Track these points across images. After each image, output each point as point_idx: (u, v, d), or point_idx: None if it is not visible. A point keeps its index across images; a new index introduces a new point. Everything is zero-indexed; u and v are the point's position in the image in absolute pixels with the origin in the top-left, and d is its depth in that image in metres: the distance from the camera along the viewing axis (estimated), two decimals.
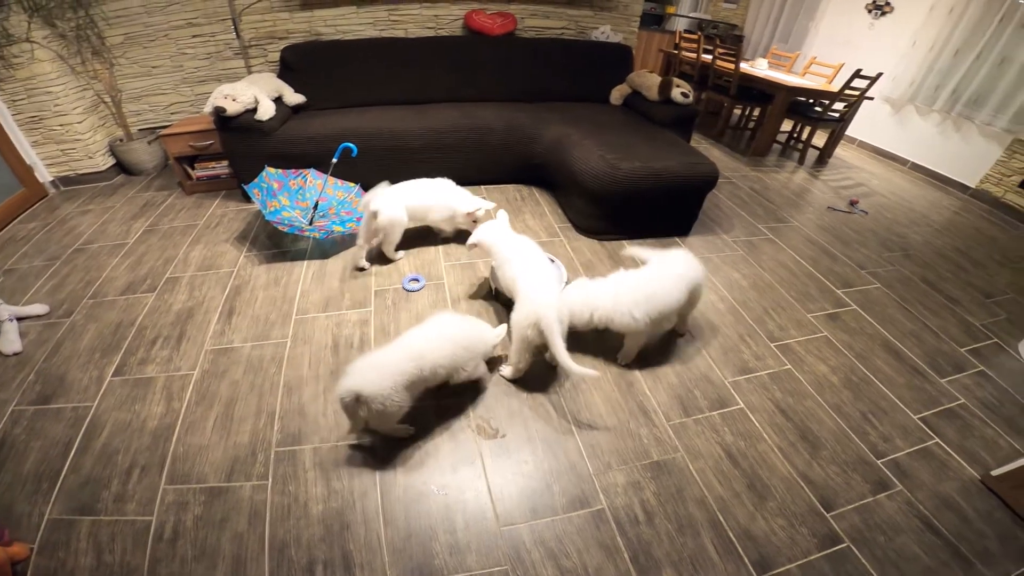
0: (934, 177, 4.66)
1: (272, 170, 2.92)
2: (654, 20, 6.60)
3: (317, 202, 2.88)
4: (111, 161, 3.80)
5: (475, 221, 2.66)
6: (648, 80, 3.68)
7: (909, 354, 2.35)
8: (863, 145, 5.36)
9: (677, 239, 3.02)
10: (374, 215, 2.44)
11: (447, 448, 1.74)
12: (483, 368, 1.91)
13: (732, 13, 6.74)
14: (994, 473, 1.75)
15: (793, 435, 1.88)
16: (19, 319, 2.26)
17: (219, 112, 2.90)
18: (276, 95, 3.24)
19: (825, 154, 4.72)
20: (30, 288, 2.52)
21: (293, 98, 3.33)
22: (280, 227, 2.58)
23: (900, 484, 1.74)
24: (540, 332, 1.75)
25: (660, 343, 2.23)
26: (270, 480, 1.62)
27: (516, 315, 1.84)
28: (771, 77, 4.51)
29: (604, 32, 3.98)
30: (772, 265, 2.88)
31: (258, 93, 2.99)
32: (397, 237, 2.59)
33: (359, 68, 3.51)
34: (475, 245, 2.17)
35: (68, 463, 1.64)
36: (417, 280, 2.52)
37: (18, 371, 2.02)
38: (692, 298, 2.08)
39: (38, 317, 2.31)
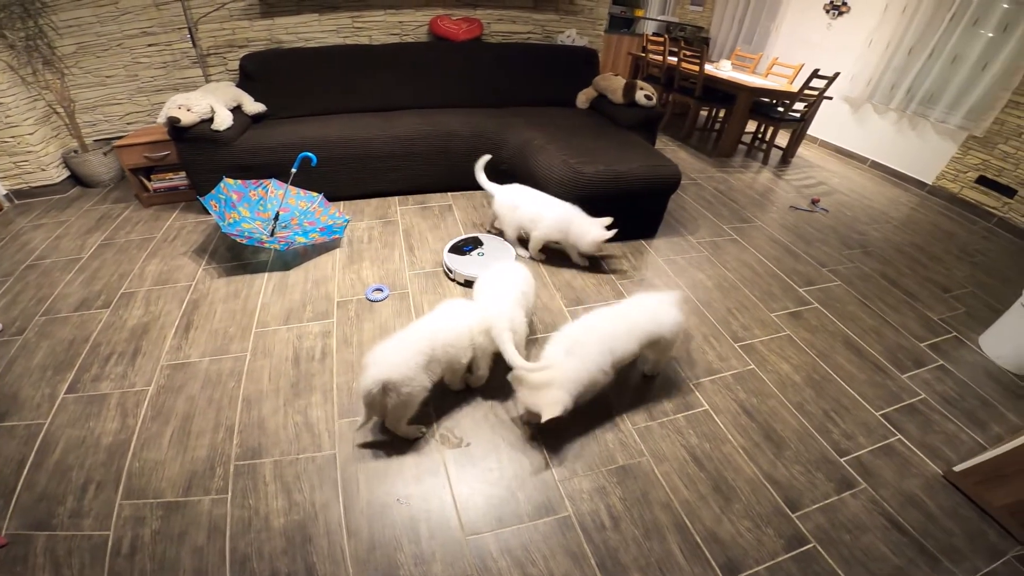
0: (893, 175, 4.80)
1: (231, 181, 2.86)
2: (624, 23, 6.69)
3: (278, 213, 2.83)
4: (65, 173, 3.68)
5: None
6: (613, 83, 3.71)
7: (870, 350, 2.41)
8: (824, 144, 5.50)
9: (643, 242, 3.05)
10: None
11: (411, 459, 1.72)
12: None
13: (699, 16, 6.86)
14: (957, 469, 1.78)
15: (758, 435, 1.91)
16: None
17: (173, 123, 2.83)
18: (235, 104, 3.18)
19: (788, 154, 4.83)
20: None
21: (253, 107, 3.27)
22: (239, 239, 2.53)
23: (864, 482, 1.77)
24: (491, 339, 1.81)
25: None
26: (229, 494, 1.58)
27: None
28: (734, 78, 4.59)
29: (570, 36, 4.01)
30: (736, 265, 2.93)
31: (214, 103, 2.93)
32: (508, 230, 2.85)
33: (322, 76, 3.47)
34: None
35: (22, 480, 1.59)
36: (381, 290, 2.49)
37: None
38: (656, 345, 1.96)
39: None
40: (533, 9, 3.95)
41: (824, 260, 3.09)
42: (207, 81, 3.63)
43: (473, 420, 1.88)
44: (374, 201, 3.38)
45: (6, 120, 3.29)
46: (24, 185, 3.53)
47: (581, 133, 3.27)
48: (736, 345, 2.33)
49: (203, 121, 2.92)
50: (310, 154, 2.77)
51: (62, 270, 2.71)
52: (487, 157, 2.88)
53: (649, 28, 6.62)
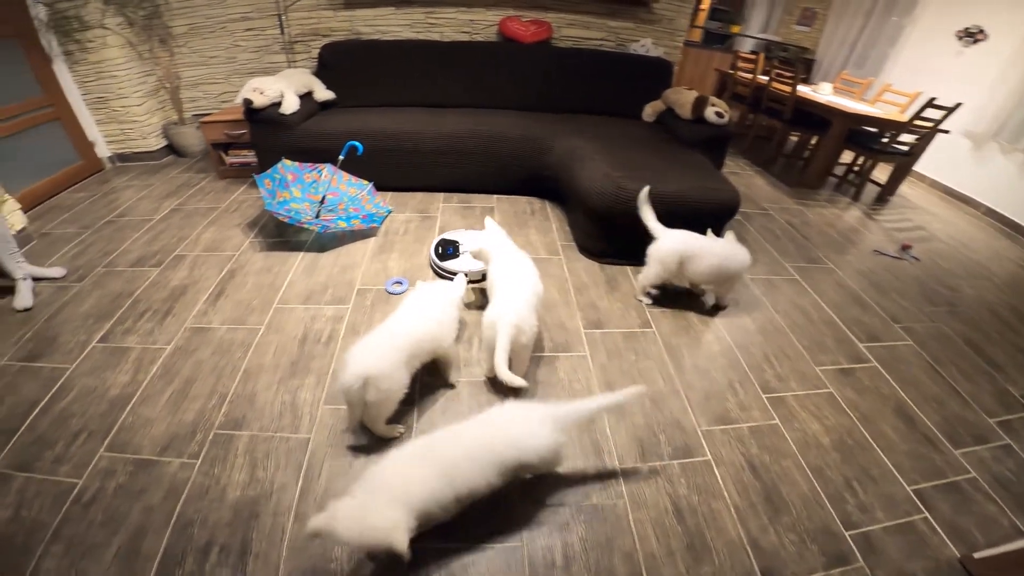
0: (1009, 225, 4.12)
1: (288, 162, 3.02)
2: (717, 39, 6.34)
3: (325, 196, 2.94)
4: (163, 143, 4.08)
5: None
6: (683, 97, 3.50)
7: (924, 420, 2.07)
8: (934, 184, 4.85)
9: None
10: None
11: (378, 457, 1.68)
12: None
13: (805, 36, 6.33)
14: (977, 555, 1.50)
15: (757, 495, 1.69)
16: (36, 279, 2.45)
17: (247, 104, 3.04)
18: (306, 91, 3.36)
19: (886, 191, 4.31)
20: (57, 252, 2.73)
21: (323, 94, 3.44)
22: (281, 217, 2.65)
23: (862, 559, 1.51)
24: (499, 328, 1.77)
25: (644, 381, 2.08)
26: (199, 460, 1.64)
27: (485, 314, 1.88)
28: (830, 102, 4.17)
29: (644, 46, 3.83)
30: (788, 309, 2.63)
31: (285, 88, 3.11)
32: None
33: (390, 69, 3.57)
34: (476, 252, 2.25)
35: (27, 422, 1.74)
36: (400, 283, 2.50)
37: (20, 327, 2.18)
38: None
39: (54, 279, 2.50)
40: (608, 15, 3.82)
41: (898, 315, 2.70)
42: (290, 67, 3.86)
43: (451, 420, 1.79)
44: (419, 195, 3.42)
45: (119, 91, 3.69)
46: (126, 150, 3.95)
47: (636, 146, 3.11)
48: (764, 396, 2.09)
49: (273, 104, 3.11)
50: (357, 143, 2.85)
51: (134, 228, 2.99)
52: (648, 188, 2.45)
53: (745, 46, 6.21)
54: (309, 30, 3.82)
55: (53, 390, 1.86)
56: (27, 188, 3.25)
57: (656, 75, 3.79)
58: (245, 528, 1.46)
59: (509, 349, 1.75)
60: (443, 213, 3.20)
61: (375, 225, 2.96)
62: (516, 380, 1.70)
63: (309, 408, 1.84)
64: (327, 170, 3.07)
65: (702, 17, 6.78)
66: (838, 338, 2.48)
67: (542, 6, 3.75)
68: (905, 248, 3.41)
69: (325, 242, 2.84)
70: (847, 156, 4.46)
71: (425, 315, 1.79)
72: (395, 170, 3.29)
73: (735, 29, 6.28)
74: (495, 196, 3.44)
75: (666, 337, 2.32)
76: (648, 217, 2.42)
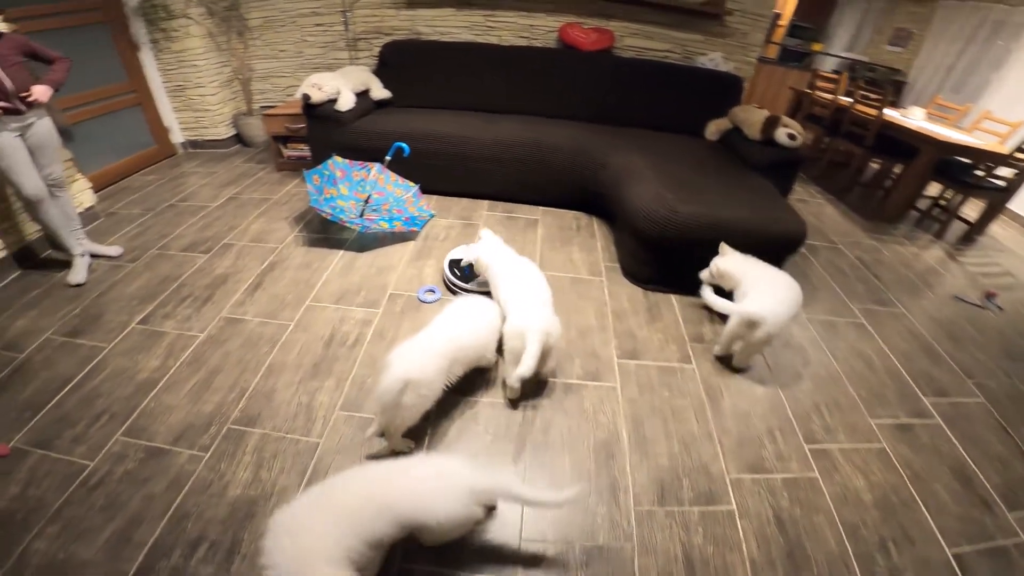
0: None
1: (339, 159, 3.05)
2: (796, 56, 5.97)
3: (371, 196, 2.94)
4: (232, 132, 4.26)
5: None
6: (752, 116, 3.27)
7: (983, 481, 1.84)
8: None
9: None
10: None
11: None
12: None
13: (896, 57, 5.85)
14: None
15: (778, 551, 1.53)
16: (94, 256, 2.58)
17: (305, 99, 3.10)
18: (363, 88, 3.39)
19: (974, 230, 3.87)
20: (119, 232, 2.88)
21: (380, 93, 3.47)
22: (323, 214, 2.66)
23: None
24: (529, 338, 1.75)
25: (676, 420, 1.93)
26: (208, 453, 1.65)
27: (507, 327, 1.86)
28: (922, 128, 3.80)
29: (713, 60, 3.62)
30: (848, 355, 2.38)
31: (342, 85, 3.15)
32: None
33: (446, 71, 3.56)
34: (474, 262, 2.29)
35: (56, 399, 1.80)
36: (433, 292, 2.45)
37: (70, 302, 2.29)
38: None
39: (110, 258, 2.62)
40: (675, 26, 3.63)
41: (972, 369, 2.39)
42: (352, 64, 3.93)
43: (465, 444, 1.76)
44: (464, 201, 3.38)
45: (196, 80, 3.88)
46: (198, 137, 4.15)
47: (695, 166, 2.93)
48: (806, 447, 1.89)
49: (330, 101, 3.15)
50: (404, 145, 2.84)
51: (191, 214, 3.11)
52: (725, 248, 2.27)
53: (826, 64, 5.80)
54: (372, 28, 3.87)
55: (87, 368, 1.93)
56: (103, 168, 3.46)
57: (724, 91, 3.57)
58: (238, 528, 1.45)
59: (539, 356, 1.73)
60: (486, 222, 3.14)
61: (415, 229, 2.94)
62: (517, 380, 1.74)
63: (324, 412, 1.82)
64: (375, 169, 3.08)
65: (780, 33, 6.42)
66: (901, 391, 2.22)
67: (605, 14, 3.62)
68: (989, 296, 3.03)
69: (365, 242, 2.84)
70: (933, 189, 4.06)
71: (470, 325, 1.81)
72: (442, 174, 3.26)
73: (816, 47, 5.89)
74: (541, 208, 3.34)
75: (707, 375, 2.15)
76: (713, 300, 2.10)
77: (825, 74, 4.62)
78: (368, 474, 1.29)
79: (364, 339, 2.17)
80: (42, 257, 2.59)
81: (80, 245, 2.49)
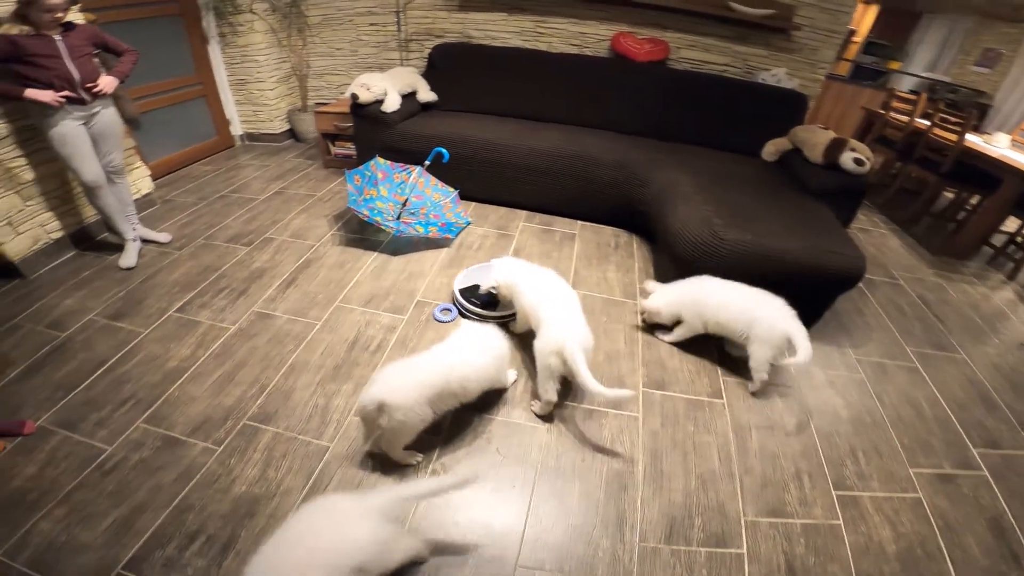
0: None
1: (382, 160, 3.07)
2: (871, 75, 5.60)
3: (409, 199, 2.95)
4: (286, 127, 4.40)
5: None
6: (815, 137, 3.06)
7: (1019, 535, 1.67)
8: None
9: None
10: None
11: (388, 483, 1.60)
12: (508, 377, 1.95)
13: (983, 79, 5.38)
14: None
15: None
16: (145, 241, 2.70)
17: (354, 98, 3.14)
18: (410, 90, 3.41)
19: None
20: (171, 219, 3.01)
21: (426, 95, 3.48)
22: (360, 215, 2.68)
23: None
24: (563, 360, 1.73)
25: (697, 456, 1.82)
26: (221, 448, 1.67)
27: (539, 343, 1.82)
28: (1005, 156, 3.46)
29: (776, 75, 3.42)
30: (897, 400, 2.19)
31: (389, 86, 3.17)
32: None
33: (494, 75, 3.53)
34: (496, 287, 2.17)
35: (88, 381, 1.89)
36: (449, 311, 2.38)
37: (117, 285, 2.40)
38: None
39: (159, 244, 2.74)
40: (736, 39, 3.45)
41: None
42: (402, 65, 3.96)
43: (474, 462, 1.71)
44: (501, 210, 3.33)
45: (257, 75, 4.03)
46: (255, 130, 4.31)
47: (747, 189, 2.76)
48: (834, 492, 1.76)
49: (377, 101, 3.18)
50: (443, 150, 2.82)
51: (240, 206, 3.22)
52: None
53: (904, 84, 5.41)
54: (424, 30, 3.89)
55: (122, 352, 2.01)
56: (165, 157, 3.64)
57: (786, 109, 3.36)
58: (237, 524, 1.46)
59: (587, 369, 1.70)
60: (521, 233, 3.08)
61: (450, 236, 2.91)
62: (623, 393, 1.73)
63: (339, 416, 1.82)
64: (416, 172, 3.08)
65: (854, 50, 6.05)
66: (948, 440, 2.03)
67: (661, 24, 3.48)
68: None
69: (399, 246, 2.84)
70: (1011, 224, 3.69)
71: (467, 357, 1.68)
72: (481, 180, 3.23)
73: (893, 65, 5.51)
74: (580, 222, 3.24)
75: (737, 412, 2.02)
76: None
77: (902, 94, 4.30)
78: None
79: (387, 345, 2.16)
80: (97, 239, 2.74)
81: (133, 231, 2.62)
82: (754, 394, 2.11)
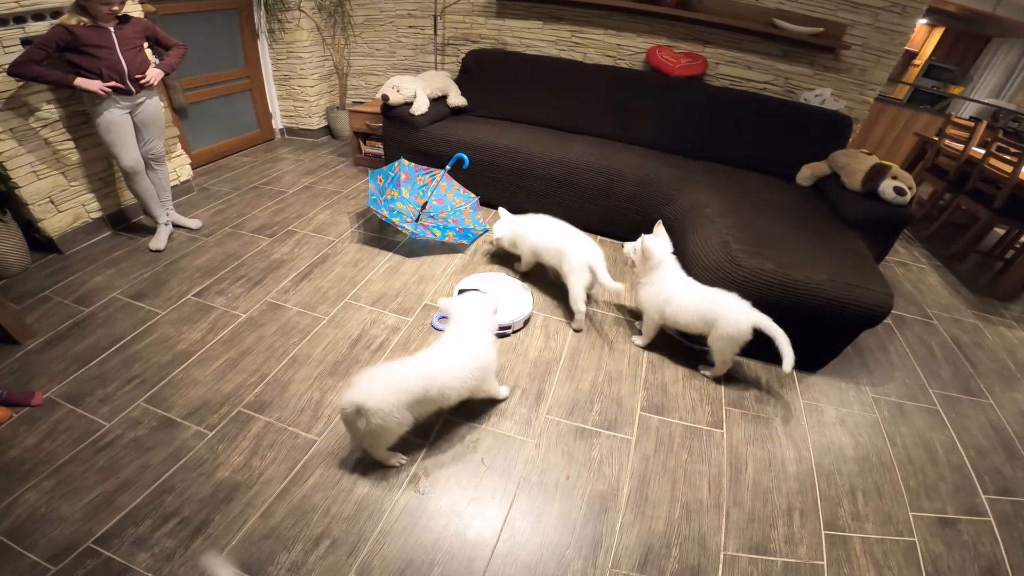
0: None
1: (406, 162, 3.12)
2: (929, 99, 5.31)
3: (429, 202, 2.98)
4: (323, 123, 4.53)
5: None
6: (856, 163, 2.91)
7: None
8: None
9: (795, 372, 2.34)
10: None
11: (369, 481, 1.63)
12: (496, 388, 1.93)
13: None
14: None
15: None
16: (176, 227, 2.83)
17: (384, 99, 3.20)
18: (441, 94, 3.45)
19: None
20: (205, 206, 3.15)
21: (456, 100, 3.51)
22: (379, 215, 2.73)
23: None
24: (592, 271, 2.26)
25: (687, 485, 1.76)
26: (212, 433, 1.73)
27: (571, 263, 2.30)
28: None
29: (820, 96, 3.28)
30: (910, 443, 2.06)
31: (420, 89, 3.22)
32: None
33: (526, 83, 3.52)
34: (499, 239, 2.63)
35: (102, 357, 1.98)
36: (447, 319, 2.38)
37: (144, 267, 2.52)
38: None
39: (189, 229, 2.86)
40: (779, 57, 3.32)
41: None
42: (436, 68, 4.02)
43: (458, 470, 1.71)
44: None
45: (300, 72, 4.17)
46: (294, 125, 4.45)
47: (775, 214, 2.66)
48: (824, 532, 1.67)
49: (406, 103, 3.24)
50: (464, 156, 2.84)
51: (270, 197, 3.33)
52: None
53: (965, 111, 5.09)
54: (460, 35, 3.93)
55: (138, 331, 2.11)
56: (207, 147, 3.80)
57: (828, 132, 3.21)
58: (213, 509, 1.50)
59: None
60: None
61: (465, 242, 2.93)
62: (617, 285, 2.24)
63: (330, 411, 1.85)
64: (439, 176, 3.11)
65: (913, 73, 5.74)
66: (958, 485, 1.91)
67: (701, 39, 3.39)
68: None
69: (414, 248, 2.88)
70: None
71: (450, 364, 1.65)
72: (503, 189, 3.22)
73: (955, 90, 5.20)
74: (599, 237, 3.19)
75: (736, 443, 1.94)
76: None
77: (959, 120, 4.06)
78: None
79: (388, 345, 2.19)
80: (133, 222, 2.89)
81: (166, 215, 2.75)
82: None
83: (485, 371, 1.75)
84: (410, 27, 4.07)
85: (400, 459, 1.69)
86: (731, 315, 2.04)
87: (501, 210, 2.77)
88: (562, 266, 2.39)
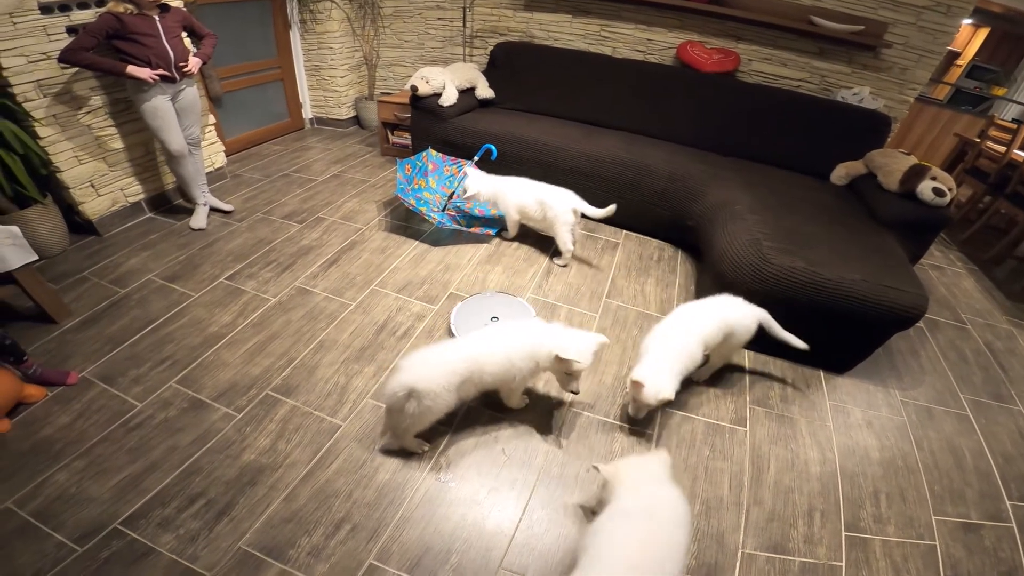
0: None
1: (434, 152, 3.14)
2: (972, 100, 5.14)
3: (453, 192, 3.00)
4: (352, 113, 4.58)
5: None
6: (894, 163, 2.83)
7: None
8: None
9: (822, 373, 2.29)
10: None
11: (390, 468, 1.65)
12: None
13: None
14: None
15: None
16: (212, 209, 2.90)
17: (413, 90, 3.22)
18: (469, 86, 3.46)
19: None
20: (237, 192, 3.22)
21: (484, 92, 3.51)
22: (406, 203, 2.75)
23: None
24: (576, 212, 2.62)
25: (707, 481, 1.75)
26: (240, 415, 1.77)
27: (557, 210, 2.62)
28: None
29: (858, 95, 3.19)
30: (938, 447, 2.01)
31: (448, 80, 3.23)
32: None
33: (554, 77, 3.51)
34: (475, 195, 2.74)
35: (136, 337, 2.04)
36: None
37: (179, 249, 2.60)
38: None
39: (223, 212, 2.93)
40: (816, 55, 3.24)
41: None
42: (464, 61, 4.02)
43: (478, 459, 1.72)
44: None
45: (331, 62, 4.21)
46: (323, 115, 4.51)
47: (808, 213, 2.60)
48: (844, 533, 1.65)
49: (435, 94, 3.25)
50: (492, 147, 2.85)
51: (299, 185, 3.38)
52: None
53: (1009, 112, 4.91)
54: (488, 27, 3.93)
55: (171, 313, 2.17)
56: (240, 135, 3.88)
57: (866, 131, 3.12)
58: (238, 491, 1.53)
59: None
60: None
61: (490, 233, 2.94)
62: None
63: (355, 397, 1.88)
64: (466, 167, 3.12)
65: (956, 74, 5.56)
66: (984, 491, 1.87)
67: (735, 36, 3.33)
68: None
69: (440, 237, 2.90)
70: None
71: (496, 348, 1.66)
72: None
73: (999, 92, 5.01)
74: (625, 232, 3.17)
75: (759, 442, 1.92)
76: None
77: (1002, 122, 3.92)
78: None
79: (414, 332, 2.21)
80: (169, 206, 2.98)
81: (203, 197, 2.82)
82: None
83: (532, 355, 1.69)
84: (439, 19, 4.08)
85: (424, 446, 1.71)
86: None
87: (468, 167, 2.96)
88: (547, 215, 2.66)
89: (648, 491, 1.31)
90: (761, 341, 2.25)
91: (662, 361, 1.77)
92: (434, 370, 1.53)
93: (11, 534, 1.38)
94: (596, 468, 1.45)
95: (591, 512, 1.58)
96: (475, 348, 1.64)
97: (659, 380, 1.71)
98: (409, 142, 3.72)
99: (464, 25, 3.91)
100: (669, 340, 1.83)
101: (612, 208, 2.64)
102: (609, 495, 1.37)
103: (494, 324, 1.86)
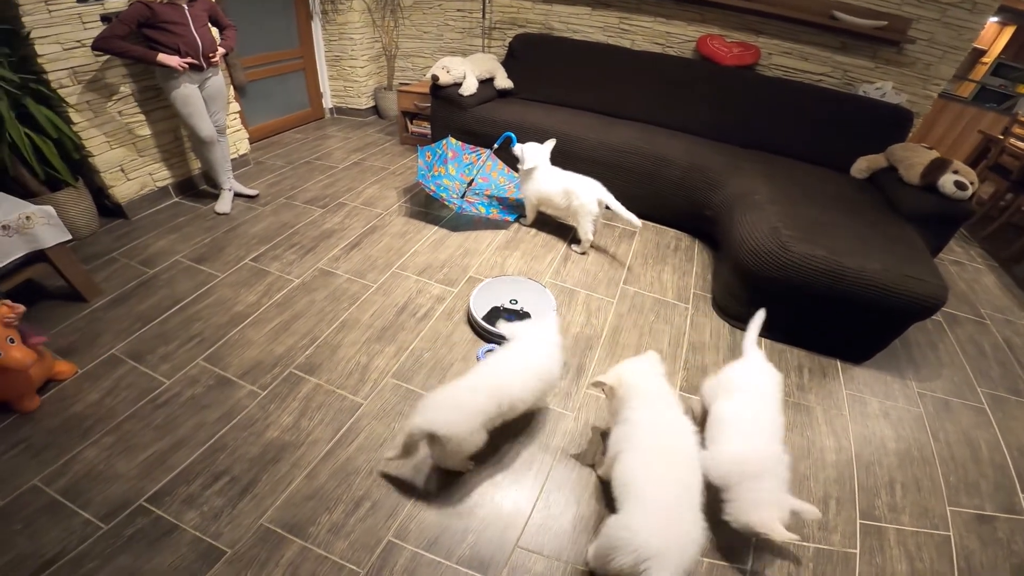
0: None
1: (454, 141, 3.17)
2: (997, 98, 5.06)
3: (475, 179, 3.03)
4: (371, 103, 4.63)
5: None
6: (915, 156, 2.81)
7: None
8: None
9: (839, 363, 2.29)
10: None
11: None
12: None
13: None
14: None
15: None
16: (236, 195, 2.96)
17: (434, 80, 3.26)
18: (488, 76, 3.48)
19: None
20: (260, 178, 3.28)
21: (503, 83, 3.54)
22: (427, 189, 2.79)
23: None
24: (602, 203, 2.65)
25: None
26: (264, 392, 1.81)
27: (583, 199, 2.64)
28: None
29: (880, 89, 3.16)
30: (954, 439, 2.01)
31: (469, 70, 3.27)
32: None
33: (573, 68, 3.53)
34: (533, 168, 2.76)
35: (164, 316, 2.09)
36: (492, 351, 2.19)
37: (205, 233, 2.66)
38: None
39: (248, 197, 2.99)
40: (838, 49, 3.22)
41: None
42: (483, 52, 4.04)
43: (495, 440, 1.66)
44: None
45: (351, 53, 4.26)
46: (343, 105, 4.56)
47: (828, 204, 2.59)
48: (859, 521, 1.67)
49: (455, 84, 3.29)
50: (512, 135, 2.87)
51: (321, 172, 3.44)
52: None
53: None
54: (508, 18, 3.95)
55: (198, 292, 2.23)
56: (263, 123, 3.94)
57: (888, 125, 3.10)
58: (261, 468, 1.57)
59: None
60: None
61: (509, 219, 2.97)
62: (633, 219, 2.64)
63: (377, 376, 1.92)
64: (485, 155, 3.15)
65: (981, 71, 5.48)
66: (999, 483, 1.87)
67: (755, 29, 3.32)
68: None
69: (459, 223, 2.93)
70: None
71: (523, 375, 1.56)
72: None
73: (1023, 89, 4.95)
74: (643, 221, 3.17)
75: None
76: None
77: None
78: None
79: (433, 314, 2.25)
80: (195, 191, 3.05)
81: (228, 182, 2.89)
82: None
83: (550, 382, 1.68)
84: (458, 10, 4.11)
85: (469, 465, 1.62)
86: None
87: (488, 154, 3.09)
88: (572, 203, 2.67)
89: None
90: (778, 330, 2.27)
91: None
92: (459, 414, 1.42)
93: (38, 512, 1.40)
94: (599, 382, 1.57)
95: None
96: (501, 377, 1.53)
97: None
98: (428, 131, 3.76)
99: (483, 16, 3.93)
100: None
101: (638, 223, 2.66)
102: (619, 405, 1.51)
103: (508, 326, 1.76)
